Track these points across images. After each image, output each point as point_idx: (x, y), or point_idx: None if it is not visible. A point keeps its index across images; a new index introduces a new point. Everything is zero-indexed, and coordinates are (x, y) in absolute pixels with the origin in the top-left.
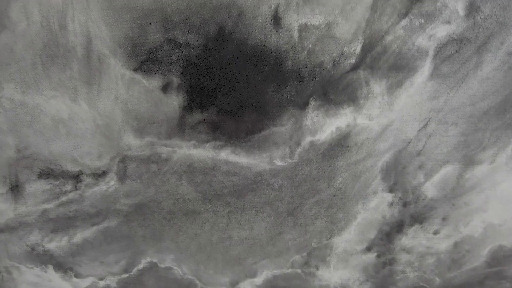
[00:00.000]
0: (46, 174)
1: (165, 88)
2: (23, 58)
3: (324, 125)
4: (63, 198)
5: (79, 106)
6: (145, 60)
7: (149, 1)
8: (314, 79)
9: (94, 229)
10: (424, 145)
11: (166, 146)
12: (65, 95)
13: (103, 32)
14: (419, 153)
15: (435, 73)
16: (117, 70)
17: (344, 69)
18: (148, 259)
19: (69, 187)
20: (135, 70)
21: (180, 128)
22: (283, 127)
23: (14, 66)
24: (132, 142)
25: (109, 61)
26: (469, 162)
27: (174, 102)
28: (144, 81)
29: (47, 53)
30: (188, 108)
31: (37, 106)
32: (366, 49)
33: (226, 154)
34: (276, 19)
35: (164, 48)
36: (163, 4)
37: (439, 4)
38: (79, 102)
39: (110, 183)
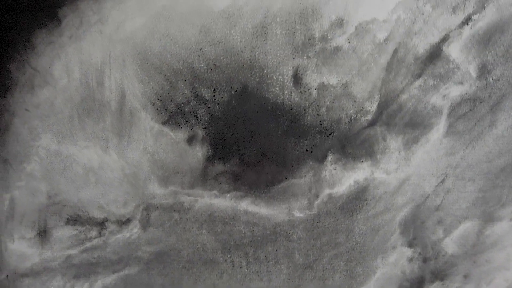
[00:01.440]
0: (73, 220)
1: (190, 140)
2: (62, 111)
3: (342, 178)
4: (88, 244)
5: (109, 156)
6: (173, 114)
7: (179, 61)
8: (332, 134)
9: (115, 276)
10: (442, 200)
11: (188, 195)
12: (97, 146)
13: (136, 88)
14: (437, 208)
15: (450, 131)
16: (147, 123)
17: (361, 125)
18: None
19: (94, 233)
20: (164, 123)
21: (203, 178)
22: (302, 179)
23: (52, 118)
24: (157, 191)
25: (140, 114)
26: (488, 218)
27: (198, 153)
28: (171, 134)
29: (84, 107)
30: (211, 159)
31: (71, 155)
32: (382, 106)
33: (246, 204)
34: (296, 79)
35: (191, 104)
36: (192, 64)
37: (451, 66)
38: (110, 152)
39: (133, 231)
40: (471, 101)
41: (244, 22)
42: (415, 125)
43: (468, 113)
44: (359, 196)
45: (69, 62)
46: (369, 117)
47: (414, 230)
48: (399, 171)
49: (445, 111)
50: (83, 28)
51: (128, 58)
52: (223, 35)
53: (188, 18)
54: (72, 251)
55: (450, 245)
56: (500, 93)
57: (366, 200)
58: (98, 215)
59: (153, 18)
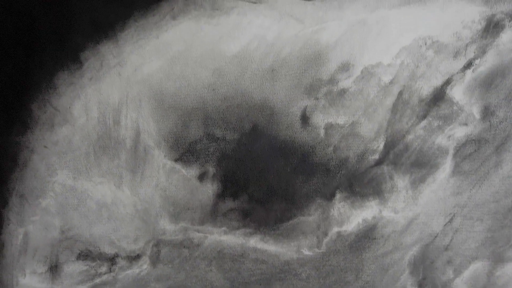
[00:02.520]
0: (85, 255)
1: (201, 177)
2: (79, 148)
3: (350, 216)
4: (97, 280)
5: (123, 192)
6: (185, 152)
7: (193, 101)
8: (340, 172)
9: None
10: (451, 240)
11: (198, 231)
12: (111, 182)
13: (150, 127)
14: (446, 248)
15: (456, 170)
16: (160, 160)
17: (368, 164)
18: None
19: (104, 269)
20: (176, 160)
21: (213, 214)
22: (311, 217)
23: (69, 155)
24: (167, 227)
25: (153, 152)
26: (498, 259)
27: (209, 190)
28: (183, 171)
29: (100, 144)
30: (221, 196)
31: (85, 191)
32: (389, 146)
33: (255, 242)
34: (305, 118)
35: (203, 142)
36: (205, 104)
37: (455, 108)
38: (123, 188)
39: (143, 267)
40: (476, 142)
41: (255, 66)
42: (421, 164)
43: (474, 154)
44: (367, 235)
45: (88, 102)
46: (376, 156)
47: (423, 270)
48: (407, 210)
49: (451, 151)
50: (103, 70)
51: (144, 99)
52: (235, 77)
53: (202, 62)
54: (82, 287)
55: (460, 286)
56: (504, 134)
57: (375, 238)
58: (109, 250)
59: (169, 62)
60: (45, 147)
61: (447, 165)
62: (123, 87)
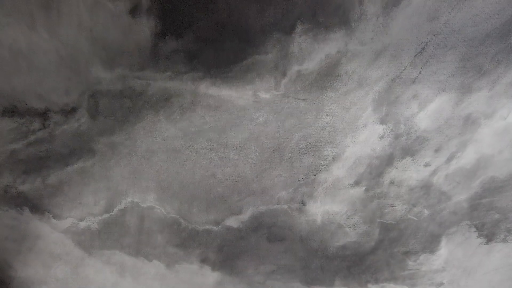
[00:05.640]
0: (11, 111)
1: (133, 11)
2: None
3: (312, 52)
4: (32, 138)
5: (39, 34)
6: None
7: None
8: None
9: (68, 169)
10: (420, 72)
11: (139, 78)
12: (21, 23)
13: None
14: (414, 81)
15: None
16: None
17: None
18: (129, 199)
19: (36, 125)
20: None
21: (154, 58)
22: (268, 55)
23: None
24: (102, 75)
25: None
26: (466, 89)
27: (145, 28)
28: (109, 4)
29: None
30: (161, 35)
31: None
32: None
33: (206, 87)
34: None
35: None
36: None
37: None
38: (38, 30)
39: (81, 120)
40: None
41: None
42: None
43: None
44: (330, 72)
45: None
46: None
47: (387, 106)
48: (376, 40)
49: None
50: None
51: None
52: None
53: None
54: (16, 145)
55: (423, 120)
56: None
57: (338, 76)
58: (38, 105)
59: None
60: None
61: None
62: None
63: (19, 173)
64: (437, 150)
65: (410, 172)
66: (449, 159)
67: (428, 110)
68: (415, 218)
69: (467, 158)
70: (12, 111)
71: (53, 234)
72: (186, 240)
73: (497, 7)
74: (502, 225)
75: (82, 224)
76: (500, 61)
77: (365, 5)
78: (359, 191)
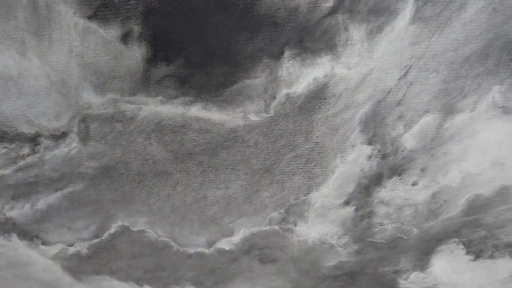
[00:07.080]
0: (0, 137)
1: (125, 38)
2: None
3: (300, 76)
4: (21, 163)
5: (30, 61)
6: (100, 6)
7: None
8: (289, 25)
9: (58, 194)
10: (404, 94)
11: (130, 103)
12: (12, 49)
13: None
14: (399, 103)
15: (417, 16)
16: (69, 18)
17: (321, 13)
18: (120, 223)
19: (26, 150)
20: (90, 18)
21: (145, 83)
22: (257, 79)
23: None
24: (93, 100)
25: (58, 8)
26: (449, 111)
27: (136, 53)
28: (101, 30)
29: None
30: (152, 60)
31: None
32: None
33: (197, 110)
34: None
35: None
36: None
37: None
38: (29, 57)
39: (72, 145)
40: None
41: None
42: (379, 11)
43: None
44: (318, 95)
45: None
46: (330, 3)
47: (374, 127)
48: (361, 65)
49: None
50: None
51: None
52: None
53: None
54: (5, 171)
55: (409, 140)
56: None
57: (326, 98)
58: (27, 130)
59: None
60: None
61: (407, 10)
62: None
63: (7, 199)
64: (423, 169)
65: (398, 191)
66: (436, 178)
67: (413, 130)
68: (405, 237)
69: (453, 176)
70: (1, 137)
71: (41, 260)
72: (177, 264)
73: (475, 32)
74: (489, 241)
75: (72, 250)
76: (480, 83)
77: (350, 31)
78: (349, 210)
